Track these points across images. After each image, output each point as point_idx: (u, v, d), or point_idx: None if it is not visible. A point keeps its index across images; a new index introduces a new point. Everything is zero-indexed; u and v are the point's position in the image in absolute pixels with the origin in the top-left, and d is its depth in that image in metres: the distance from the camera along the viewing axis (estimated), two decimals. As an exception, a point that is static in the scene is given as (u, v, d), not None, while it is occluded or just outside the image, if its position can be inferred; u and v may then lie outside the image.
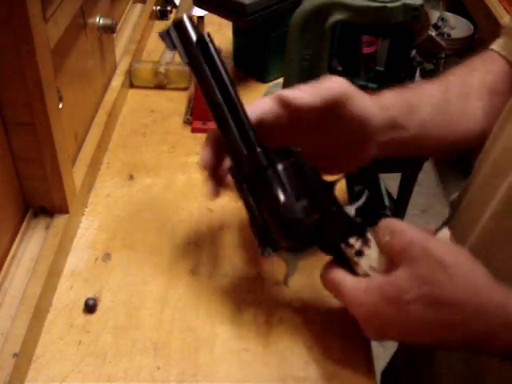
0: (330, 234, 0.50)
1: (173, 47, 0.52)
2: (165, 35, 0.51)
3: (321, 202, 0.50)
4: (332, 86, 0.51)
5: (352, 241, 0.49)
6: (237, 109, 0.50)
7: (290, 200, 0.48)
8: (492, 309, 0.42)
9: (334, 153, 0.55)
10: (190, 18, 0.51)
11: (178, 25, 0.51)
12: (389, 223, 0.48)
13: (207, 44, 0.51)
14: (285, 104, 0.51)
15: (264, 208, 0.50)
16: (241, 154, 0.50)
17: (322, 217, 0.50)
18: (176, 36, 0.51)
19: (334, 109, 0.51)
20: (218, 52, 0.51)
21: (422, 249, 0.44)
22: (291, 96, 0.50)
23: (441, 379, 0.60)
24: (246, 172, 0.50)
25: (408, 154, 0.60)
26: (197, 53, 0.51)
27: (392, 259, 0.46)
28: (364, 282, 0.47)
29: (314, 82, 0.52)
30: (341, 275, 0.49)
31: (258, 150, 0.50)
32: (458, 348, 0.46)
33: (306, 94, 0.51)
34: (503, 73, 0.60)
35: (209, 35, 0.51)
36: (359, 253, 0.49)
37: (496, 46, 0.62)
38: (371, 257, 0.49)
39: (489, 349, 0.44)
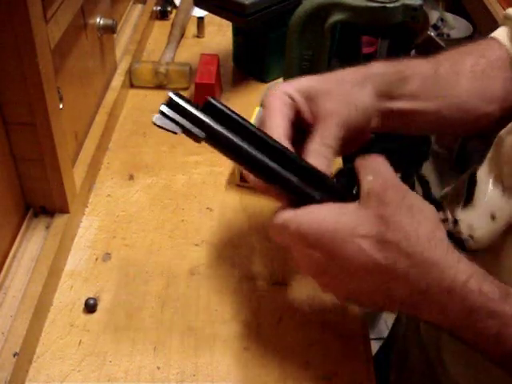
0: None
1: (178, 128, 0.45)
2: (160, 118, 0.45)
3: None
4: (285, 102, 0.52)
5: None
6: (284, 155, 0.45)
7: None
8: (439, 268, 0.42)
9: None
10: (177, 94, 0.45)
11: (171, 102, 0.44)
12: (373, 163, 0.47)
13: (215, 105, 0.45)
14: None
15: None
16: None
17: None
18: (175, 114, 0.45)
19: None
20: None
21: (398, 195, 0.44)
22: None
23: None
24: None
25: (409, 127, 0.59)
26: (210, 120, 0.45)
27: (365, 195, 0.45)
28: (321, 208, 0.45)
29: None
30: (292, 212, 0.45)
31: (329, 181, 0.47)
32: (395, 306, 0.45)
33: (276, 125, 0.50)
34: (501, 61, 0.59)
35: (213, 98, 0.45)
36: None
37: (497, 33, 0.61)
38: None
39: (421, 311, 0.43)
